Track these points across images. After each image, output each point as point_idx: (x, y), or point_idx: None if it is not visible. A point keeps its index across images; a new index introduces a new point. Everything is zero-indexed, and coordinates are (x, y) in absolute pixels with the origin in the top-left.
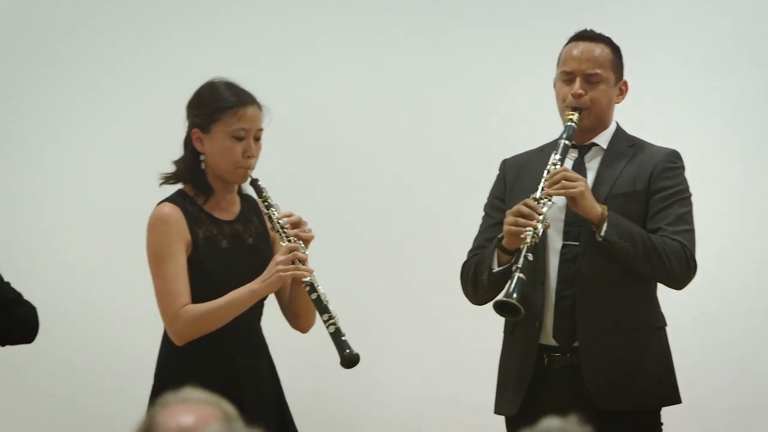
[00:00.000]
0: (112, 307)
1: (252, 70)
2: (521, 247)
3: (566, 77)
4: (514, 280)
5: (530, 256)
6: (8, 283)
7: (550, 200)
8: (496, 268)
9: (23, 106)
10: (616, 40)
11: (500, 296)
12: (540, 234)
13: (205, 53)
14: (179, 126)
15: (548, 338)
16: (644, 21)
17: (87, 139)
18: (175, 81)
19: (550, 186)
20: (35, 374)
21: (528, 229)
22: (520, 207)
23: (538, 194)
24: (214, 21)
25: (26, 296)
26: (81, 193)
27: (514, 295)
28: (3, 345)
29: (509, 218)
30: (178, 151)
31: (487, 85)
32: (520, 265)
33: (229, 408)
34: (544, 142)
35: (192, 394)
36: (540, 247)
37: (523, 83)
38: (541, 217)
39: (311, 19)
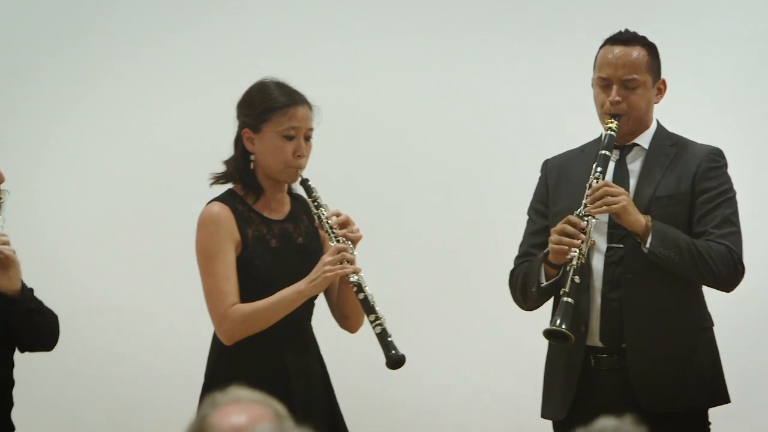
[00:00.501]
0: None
1: (300, 69)
2: (568, 269)
3: (603, 83)
4: (563, 308)
5: (577, 279)
6: (31, 290)
7: (593, 217)
8: (544, 283)
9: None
10: (657, 39)
11: (549, 325)
12: (586, 254)
13: (243, 52)
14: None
15: (594, 340)
16: (685, 20)
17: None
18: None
19: (592, 202)
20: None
21: (573, 250)
22: (564, 226)
23: (581, 211)
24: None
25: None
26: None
27: (563, 326)
28: (22, 351)
29: (554, 236)
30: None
31: (535, 84)
32: (567, 289)
33: (279, 407)
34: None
35: (242, 393)
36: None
37: (571, 82)
38: (585, 236)
39: (363, 19)
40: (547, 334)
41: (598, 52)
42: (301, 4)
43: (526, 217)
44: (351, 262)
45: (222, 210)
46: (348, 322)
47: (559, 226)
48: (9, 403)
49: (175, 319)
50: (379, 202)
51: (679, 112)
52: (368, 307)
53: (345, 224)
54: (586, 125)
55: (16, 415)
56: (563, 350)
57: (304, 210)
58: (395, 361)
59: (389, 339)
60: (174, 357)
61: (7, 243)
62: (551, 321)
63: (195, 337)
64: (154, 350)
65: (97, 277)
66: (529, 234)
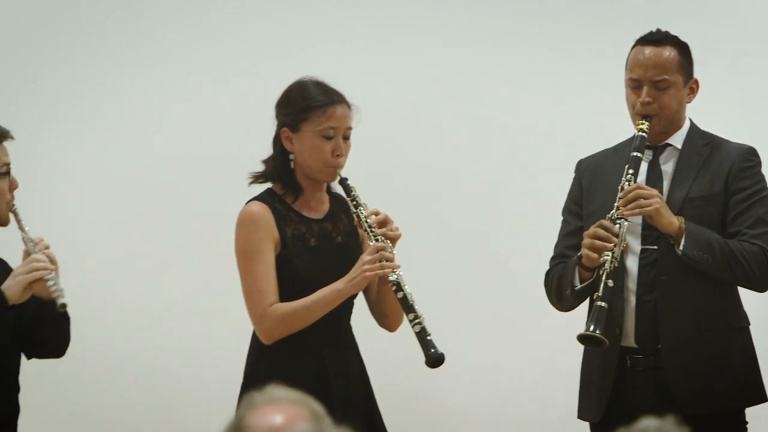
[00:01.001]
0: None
1: (340, 68)
2: (601, 273)
3: (634, 84)
4: (596, 312)
5: (611, 282)
6: None
7: (626, 220)
8: (578, 286)
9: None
10: (692, 39)
11: (584, 330)
12: (619, 258)
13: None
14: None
15: (629, 341)
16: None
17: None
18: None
19: (625, 205)
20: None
21: (606, 254)
22: (596, 230)
23: (613, 214)
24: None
25: None
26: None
27: (597, 331)
28: (30, 358)
29: (586, 240)
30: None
31: (570, 82)
32: (601, 294)
33: (317, 406)
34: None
35: (279, 393)
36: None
37: (606, 80)
38: (618, 240)
39: (405, 19)
40: (581, 338)
41: (630, 52)
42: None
43: (561, 218)
44: (390, 261)
45: (261, 209)
46: (387, 321)
47: (592, 230)
48: (15, 409)
49: (212, 319)
50: (418, 200)
51: (711, 110)
52: (407, 306)
53: (384, 223)
54: (620, 124)
55: (22, 421)
56: (598, 352)
57: (343, 209)
58: (434, 359)
59: (428, 338)
60: (212, 358)
61: (48, 247)
62: (585, 326)
63: (231, 338)
64: (190, 352)
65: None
66: (563, 235)
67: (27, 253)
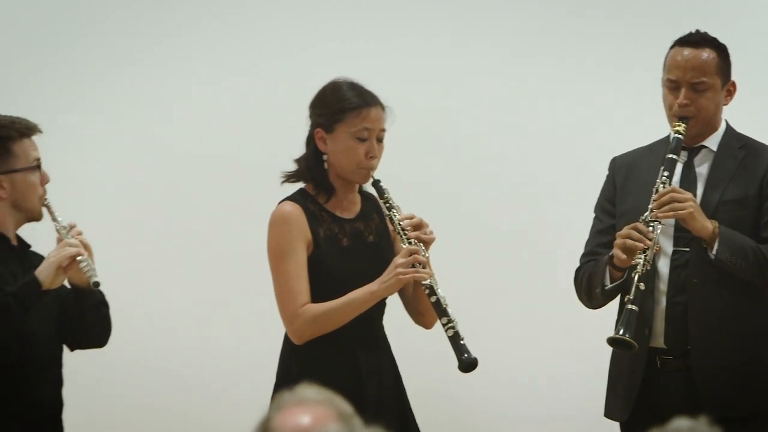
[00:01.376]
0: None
1: (376, 69)
2: (632, 275)
3: (671, 85)
4: (626, 316)
5: (642, 285)
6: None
7: (660, 222)
8: (608, 285)
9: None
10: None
11: (613, 333)
12: (651, 260)
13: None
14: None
15: (659, 342)
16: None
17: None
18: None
19: (659, 207)
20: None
21: (638, 257)
22: (629, 231)
23: (647, 216)
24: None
25: None
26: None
27: (627, 335)
28: (73, 349)
29: (619, 241)
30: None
31: (605, 81)
32: (632, 297)
33: (345, 406)
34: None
35: (308, 393)
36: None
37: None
38: (651, 243)
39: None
40: (611, 342)
41: (668, 53)
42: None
43: (593, 215)
44: (423, 264)
45: (294, 209)
46: (423, 319)
47: (625, 231)
48: (60, 403)
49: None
50: (449, 202)
51: (746, 111)
52: (440, 310)
53: (418, 226)
54: (655, 123)
55: (66, 416)
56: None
57: (374, 209)
58: (468, 364)
59: (462, 342)
60: (243, 357)
61: (81, 234)
62: (615, 329)
63: (263, 337)
64: (224, 351)
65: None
66: (595, 232)
67: (60, 241)
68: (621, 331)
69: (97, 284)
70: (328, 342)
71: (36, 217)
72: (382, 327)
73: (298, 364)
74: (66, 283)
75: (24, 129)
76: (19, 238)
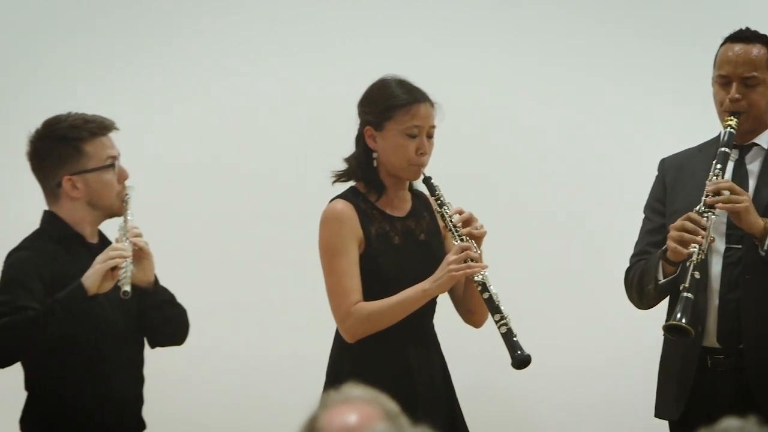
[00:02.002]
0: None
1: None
2: (687, 264)
3: (722, 81)
4: (683, 302)
5: (697, 274)
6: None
7: (713, 213)
8: (662, 280)
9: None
10: None
11: (670, 320)
12: (705, 250)
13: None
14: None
15: (711, 341)
16: None
17: None
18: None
19: (714, 194)
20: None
21: (693, 246)
22: (684, 222)
23: (701, 207)
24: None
25: None
26: None
27: (684, 320)
28: (153, 347)
29: (673, 233)
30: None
31: (653, 82)
32: (687, 285)
33: (391, 405)
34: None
35: (354, 392)
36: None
37: (690, 78)
38: (705, 233)
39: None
40: (667, 329)
41: (718, 50)
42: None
43: (642, 216)
44: (475, 260)
45: (345, 207)
46: (473, 318)
47: (679, 222)
48: (140, 401)
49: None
50: (501, 198)
51: None
52: (493, 307)
53: (469, 222)
54: (703, 123)
55: (146, 413)
56: (679, 350)
57: (425, 206)
58: (521, 361)
59: (515, 339)
60: (295, 355)
61: (140, 235)
62: (672, 316)
63: (315, 335)
64: (273, 349)
65: None
66: (645, 232)
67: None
68: (678, 317)
69: (126, 294)
70: (379, 340)
71: (115, 214)
72: (432, 325)
73: (349, 362)
74: None
75: (97, 128)
76: (100, 235)
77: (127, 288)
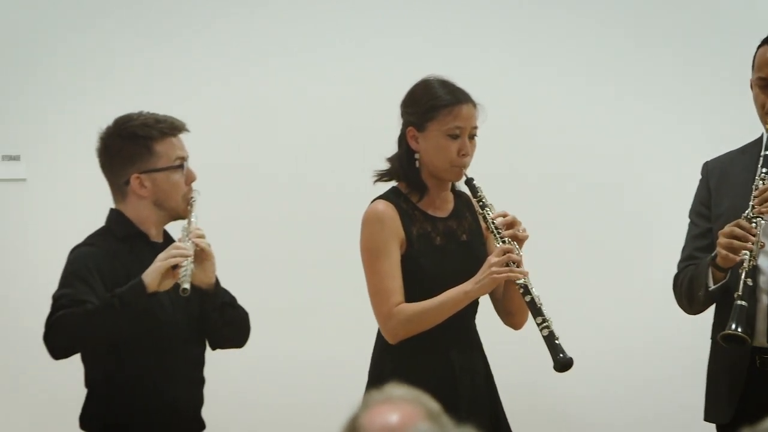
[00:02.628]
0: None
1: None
2: (740, 271)
3: (762, 83)
4: (737, 311)
5: (749, 281)
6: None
7: (762, 218)
8: (712, 287)
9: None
10: None
11: (726, 330)
12: (757, 256)
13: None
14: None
15: (761, 341)
16: None
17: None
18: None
19: (760, 204)
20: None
21: (744, 253)
22: (732, 229)
23: (749, 213)
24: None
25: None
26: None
27: (739, 329)
28: (214, 349)
29: (722, 240)
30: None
31: (695, 84)
32: (741, 292)
33: (433, 405)
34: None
35: (396, 392)
36: None
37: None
38: (755, 239)
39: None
40: (724, 338)
41: (756, 52)
42: None
43: (688, 220)
44: (517, 263)
45: (387, 208)
46: (513, 320)
47: (728, 228)
48: (200, 401)
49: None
50: (543, 201)
51: None
52: (535, 310)
53: (512, 224)
54: (744, 126)
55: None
56: (728, 352)
57: (467, 207)
58: (563, 364)
59: (557, 342)
60: (337, 355)
61: (203, 236)
62: (727, 325)
63: (356, 337)
64: (319, 349)
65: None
66: (692, 237)
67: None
68: (733, 326)
69: (185, 291)
70: (421, 341)
71: (180, 215)
72: (474, 326)
73: (391, 363)
74: None
75: (168, 128)
76: (165, 235)
77: (187, 286)
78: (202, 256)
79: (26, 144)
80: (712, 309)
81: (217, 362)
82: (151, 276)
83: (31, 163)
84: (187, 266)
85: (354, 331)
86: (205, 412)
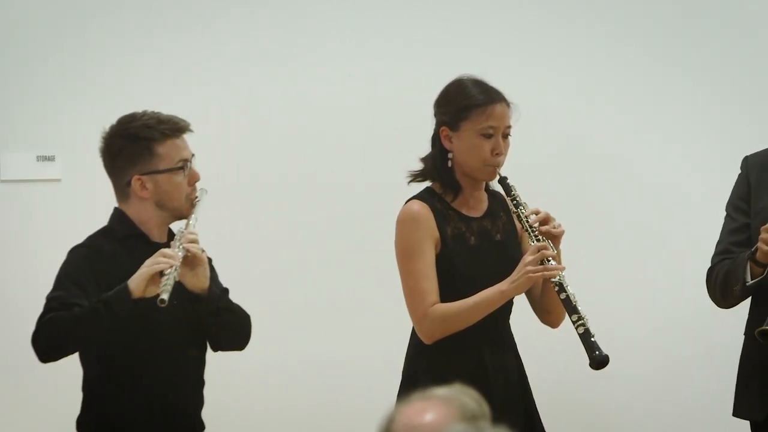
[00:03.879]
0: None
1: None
2: None
3: None
4: None
5: None
6: (227, 290)
7: None
8: (749, 281)
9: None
10: None
11: (764, 326)
12: None
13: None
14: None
15: None
16: None
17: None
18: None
19: None
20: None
21: None
22: None
23: None
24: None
25: None
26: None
27: None
28: (215, 351)
29: (765, 235)
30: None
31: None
32: None
33: (472, 405)
34: None
35: (435, 392)
36: None
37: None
38: None
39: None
40: (761, 334)
41: None
42: None
43: (719, 216)
44: (552, 259)
45: (421, 208)
46: (550, 318)
47: None
48: (200, 402)
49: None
50: (578, 198)
51: None
52: (570, 307)
53: (546, 221)
54: None
55: (205, 414)
56: (761, 346)
57: (501, 206)
58: (599, 361)
59: (593, 339)
60: (370, 355)
61: (195, 241)
62: (765, 321)
63: (390, 337)
64: (351, 349)
65: None
66: (728, 231)
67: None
68: None
69: (162, 302)
70: (455, 341)
71: (183, 216)
72: (508, 325)
73: (424, 364)
74: None
75: (170, 129)
76: (169, 233)
77: (164, 296)
78: (194, 261)
79: (61, 144)
80: (744, 305)
81: (237, 364)
82: (136, 282)
83: (66, 164)
84: (170, 275)
85: (386, 332)
86: (219, 415)
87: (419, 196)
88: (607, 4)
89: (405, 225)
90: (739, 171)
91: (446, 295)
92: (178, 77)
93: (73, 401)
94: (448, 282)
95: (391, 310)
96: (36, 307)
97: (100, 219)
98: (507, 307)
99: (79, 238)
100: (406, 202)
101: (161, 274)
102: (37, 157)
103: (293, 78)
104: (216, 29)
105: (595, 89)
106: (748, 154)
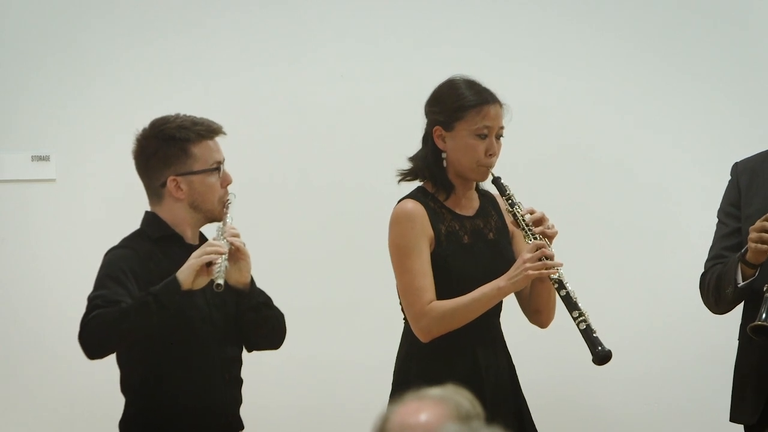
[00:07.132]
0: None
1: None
2: None
3: None
4: (767, 303)
5: None
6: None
7: None
8: (741, 283)
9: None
10: None
11: (756, 321)
12: None
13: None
14: None
15: None
16: None
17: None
18: (186, 81)
19: None
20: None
21: None
22: (763, 223)
23: None
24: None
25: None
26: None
27: None
28: (250, 351)
29: (753, 235)
30: None
31: (726, 84)
32: None
33: (466, 405)
34: None
35: (429, 392)
36: None
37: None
38: None
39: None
40: (753, 330)
41: None
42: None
43: (716, 220)
44: (550, 258)
45: (416, 207)
46: (540, 318)
47: (758, 223)
48: (238, 401)
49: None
50: (576, 198)
51: None
52: (571, 304)
53: (540, 221)
54: None
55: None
56: (755, 351)
57: (492, 205)
58: (602, 357)
59: (594, 335)
60: (363, 354)
61: (237, 236)
62: (757, 317)
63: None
64: (344, 348)
65: None
66: (720, 237)
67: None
68: (764, 317)
69: (219, 287)
70: (447, 339)
71: (216, 218)
72: (499, 324)
73: (416, 364)
74: None
75: (204, 131)
76: (201, 236)
77: (221, 281)
78: (237, 255)
79: (56, 144)
80: (737, 310)
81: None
82: (185, 273)
83: (60, 164)
84: (221, 263)
85: (380, 332)
86: (242, 413)
87: (412, 195)
88: (608, 6)
89: (400, 223)
90: (729, 177)
91: (440, 294)
92: (173, 78)
93: (73, 401)
94: (442, 280)
95: (384, 310)
96: (32, 306)
97: (95, 219)
98: (497, 306)
99: (75, 238)
100: (399, 201)
101: (208, 264)
102: (32, 157)
103: (285, 79)
104: (208, 31)
105: (595, 90)
106: (745, 157)
